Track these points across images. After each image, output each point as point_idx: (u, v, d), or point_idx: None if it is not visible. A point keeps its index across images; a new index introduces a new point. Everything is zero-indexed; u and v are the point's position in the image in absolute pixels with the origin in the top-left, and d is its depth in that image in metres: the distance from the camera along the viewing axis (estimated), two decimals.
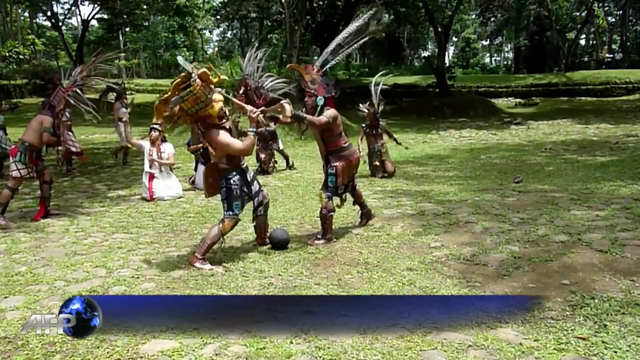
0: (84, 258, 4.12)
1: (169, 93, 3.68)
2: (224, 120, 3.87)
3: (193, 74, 3.58)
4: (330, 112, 4.40)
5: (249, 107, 4.03)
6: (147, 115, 8.88)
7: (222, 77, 3.78)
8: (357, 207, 5.07)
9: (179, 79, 3.66)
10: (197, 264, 3.82)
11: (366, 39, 4.53)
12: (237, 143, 3.86)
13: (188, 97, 3.58)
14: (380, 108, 7.83)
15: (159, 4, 27.94)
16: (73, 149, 8.15)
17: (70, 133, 8.62)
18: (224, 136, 3.81)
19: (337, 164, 4.47)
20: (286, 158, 9.07)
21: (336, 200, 4.65)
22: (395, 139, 8.38)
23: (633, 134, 12.80)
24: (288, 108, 4.19)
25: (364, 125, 8.06)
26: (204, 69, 3.65)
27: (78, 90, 5.46)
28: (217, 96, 3.82)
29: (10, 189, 5.40)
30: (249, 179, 4.08)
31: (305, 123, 4.37)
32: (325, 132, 4.46)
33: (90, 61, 5.67)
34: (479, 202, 5.74)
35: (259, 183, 4.27)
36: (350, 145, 4.65)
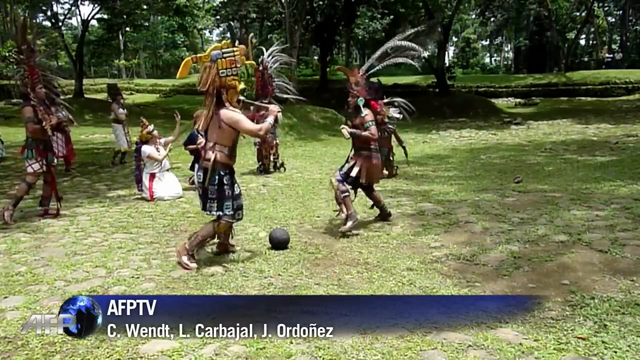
0: (84, 258, 4.12)
1: (206, 53, 3.82)
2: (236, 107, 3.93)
3: (237, 42, 3.93)
4: (369, 117, 4.75)
5: (272, 106, 4.18)
6: (147, 115, 8.89)
7: (251, 62, 4.21)
8: (357, 209, 5.08)
9: (220, 44, 3.86)
10: (184, 258, 3.81)
11: (409, 57, 4.87)
12: (249, 122, 3.89)
13: (228, 56, 3.74)
14: (395, 114, 7.89)
15: (159, 4, 27.89)
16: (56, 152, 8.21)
17: (57, 134, 8.51)
18: (237, 114, 3.80)
19: (358, 160, 4.81)
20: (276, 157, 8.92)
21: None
22: (403, 146, 8.39)
23: (633, 134, 12.80)
24: (346, 133, 4.72)
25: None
26: (244, 47, 3.96)
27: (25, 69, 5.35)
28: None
29: (27, 183, 5.45)
30: (234, 182, 3.98)
31: (362, 138, 4.76)
32: (358, 128, 4.77)
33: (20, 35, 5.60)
34: (478, 202, 5.74)
35: (239, 186, 4.15)
36: (377, 150, 4.92)
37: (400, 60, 4.84)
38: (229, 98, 3.81)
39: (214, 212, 3.86)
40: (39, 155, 5.41)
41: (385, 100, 7.92)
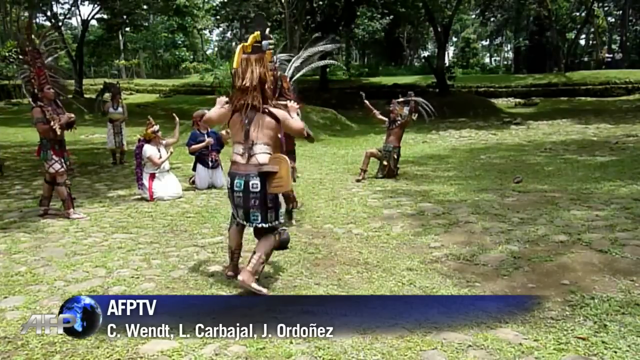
0: (84, 258, 4.12)
1: (250, 42, 3.34)
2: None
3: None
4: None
5: (291, 103, 3.63)
6: (147, 115, 8.86)
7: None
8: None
9: (255, 34, 3.36)
10: (254, 285, 3.23)
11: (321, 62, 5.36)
12: (297, 119, 3.41)
13: (272, 48, 3.43)
14: (407, 113, 8.02)
15: (159, 4, 27.96)
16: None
17: None
18: (284, 110, 3.36)
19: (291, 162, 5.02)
20: None
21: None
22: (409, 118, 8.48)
23: (633, 134, 12.81)
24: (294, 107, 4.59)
25: (387, 119, 8.23)
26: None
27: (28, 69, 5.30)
28: None
29: (60, 184, 5.47)
30: None
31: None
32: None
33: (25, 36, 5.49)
34: (478, 202, 5.74)
35: None
36: None
37: (321, 63, 5.23)
38: (270, 91, 3.37)
39: (275, 223, 3.38)
40: (56, 155, 5.42)
41: (400, 100, 8.09)
